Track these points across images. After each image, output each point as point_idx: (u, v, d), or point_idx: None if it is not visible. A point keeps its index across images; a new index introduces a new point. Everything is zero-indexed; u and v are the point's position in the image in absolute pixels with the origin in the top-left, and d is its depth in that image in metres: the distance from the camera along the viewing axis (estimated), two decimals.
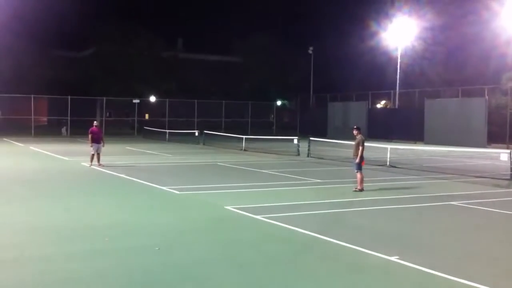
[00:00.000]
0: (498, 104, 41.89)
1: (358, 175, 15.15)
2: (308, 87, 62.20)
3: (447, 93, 48.03)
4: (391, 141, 41.51)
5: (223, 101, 61.31)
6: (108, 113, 59.11)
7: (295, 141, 29.47)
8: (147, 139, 44.29)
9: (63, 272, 7.31)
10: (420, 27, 50.25)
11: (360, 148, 15.17)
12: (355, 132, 15.68)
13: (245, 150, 31.45)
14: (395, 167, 22.46)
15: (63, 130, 49.07)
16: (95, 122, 22.67)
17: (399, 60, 50.13)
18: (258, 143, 36.18)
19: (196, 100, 58.40)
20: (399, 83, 50.13)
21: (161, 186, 15.56)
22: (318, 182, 17.44)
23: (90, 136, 21.40)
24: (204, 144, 36.73)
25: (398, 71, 49.93)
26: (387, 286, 7.05)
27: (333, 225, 10.69)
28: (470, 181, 18.34)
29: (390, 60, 54.22)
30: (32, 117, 49.41)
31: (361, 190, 15.00)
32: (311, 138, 29.16)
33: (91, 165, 20.96)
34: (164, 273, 7.38)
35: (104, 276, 7.19)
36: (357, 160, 15.14)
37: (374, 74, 62.51)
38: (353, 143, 15.83)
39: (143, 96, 57.42)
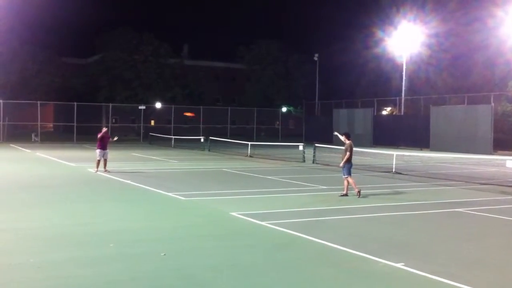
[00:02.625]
0: (504, 111, 41.81)
1: (350, 180, 15.24)
2: (314, 93, 62.26)
3: (453, 100, 47.98)
4: (397, 148, 41.50)
5: (229, 108, 61.43)
6: (114, 119, 59.33)
7: (301, 148, 29.46)
8: (152, 145, 44.39)
9: (69, 278, 7.33)
10: (426, 34, 50.24)
11: (348, 153, 15.25)
12: (343, 137, 15.81)
13: (250, 156, 31.47)
14: (401, 173, 22.42)
15: (33, 136, 48.77)
16: (104, 128, 22.77)
17: (404, 67, 50.11)
18: (264, 150, 36.21)
19: (201, 107, 58.56)
20: (404, 90, 50.09)
21: (167, 192, 15.59)
22: (323, 188, 17.42)
23: (99, 136, 21.49)
24: (209, 150, 36.77)
25: (404, 78, 49.91)
26: None
27: (339, 231, 10.68)
28: (476, 188, 18.29)
29: (395, 67, 54.28)
30: (39, 123, 49.65)
31: (360, 191, 15.13)
32: (316, 145, 29.15)
33: (97, 171, 21.02)
34: (170, 279, 7.39)
35: (110, 282, 7.20)
36: (341, 165, 15.38)
37: (379, 81, 62.58)
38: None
39: (149, 102, 57.64)
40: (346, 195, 15.22)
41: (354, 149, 15.69)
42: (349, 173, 15.33)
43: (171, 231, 10.49)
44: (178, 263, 8.19)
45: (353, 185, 15.22)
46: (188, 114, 17.45)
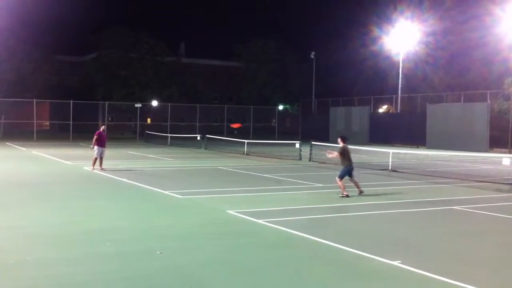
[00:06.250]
0: (501, 108, 41.87)
1: (339, 182, 14.88)
2: (310, 91, 62.26)
3: (449, 98, 48.03)
4: (393, 146, 41.53)
5: (225, 106, 61.39)
6: (110, 118, 59.20)
7: (297, 146, 29.43)
8: (149, 144, 44.32)
9: (65, 276, 7.31)
10: (423, 32, 50.29)
11: (336, 153, 15.14)
12: (338, 140, 15.61)
13: (247, 154, 31.45)
14: (397, 171, 22.43)
15: None
16: (102, 126, 22.71)
17: (401, 65, 50.17)
18: (260, 148, 36.18)
19: (198, 105, 58.50)
20: (401, 88, 50.14)
21: (163, 190, 15.57)
22: (320, 186, 17.42)
23: (95, 138, 21.39)
24: (206, 148, 36.75)
25: (400, 76, 49.96)
26: None
27: (335, 229, 10.67)
28: (472, 186, 18.31)
29: (392, 65, 54.32)
30: (35, 121, 49.51)
31: (347, 195, 14.66)
32: (313, 143, 29.13)
33: (93, 169, 20.97)
34: (166, 277, 7.37)
35: (106, 281, 7.19)
36: (329, 155, 15.42)
37: (376, 79, 62.65)
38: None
39: (145, 100, 57.55)
40: (347, 195, 14.79)
41: (351, 146, 15.56)
42: (342, 176, 14.89)
43: (167, 229, 10.47)
44: (174, 261, 8.17)
45: (341, 187, 14.81)
46: (235, 125, 17.32)
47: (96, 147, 21.28)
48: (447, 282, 7.22)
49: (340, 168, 15.27)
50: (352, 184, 15.28)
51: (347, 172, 15.07)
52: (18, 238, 9.50)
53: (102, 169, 20.99)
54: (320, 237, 9.65)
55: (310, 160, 27.18)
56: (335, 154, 15.23)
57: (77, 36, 71.26)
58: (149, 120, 63.32)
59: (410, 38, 49.39)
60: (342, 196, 14.68)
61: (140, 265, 7.88)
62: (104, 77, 59.95)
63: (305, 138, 43.08)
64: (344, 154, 15.09)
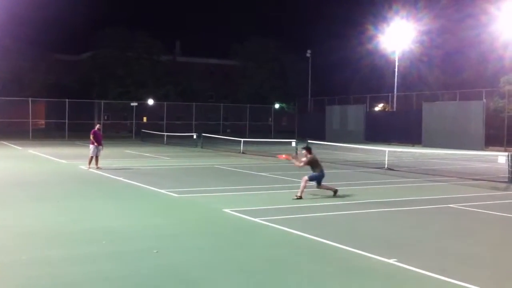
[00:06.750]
0: (496, 107, 42.00)
1: (303, 182, 14.22)
2: (306, 90, 62.26)
3: (445, 96, 48.15)
4: (389, 144, 41.59)
5: (221, 104, 61.32)
6: (106, 116, 59.09)
7: (293, 144, 29.44)
8: (145, 142, 44.27)
9: (60, 275, 7.29)
10: (418, 30, 50.40)
11: (304, 160, 14.62)
12: (303, 151, 14.95)
13: (243, 153, 31.44)
14: (393, 170, 22.46)
15: None
16: (98, 125, 22.68)
17: (397, 64, 50.26)
18: (256, 146, 36.18)
19: (194, 103, 58.42)
20: (397, 86, 50.23)
21: (159, 189, 15.54)
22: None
23: (92, 137, 21.35)
24: (202, 147, 36.72)
25: (396, 74, 50.04)
26: None
27: (331, 227, 10.68)
28: (468, 184, 18.35)
29: (388, 63, 54.45)
30: (30, 120, 49.39)
31: (300, 197, 14.07)
32: (309, 141, 29.11)
33: (89, 168, 20.93)
34: (163, 276, 7.36)
35: (102, 280, 7.17)
36: (296, 162, 14.90)
37: (372, 77, 62.79)
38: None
39: (142, 99, 57.45)
40: (336, 191, 14.75)
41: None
42: (311, 178, 14.38)
43: (164, 228, 10.46)
44: (171, 260, 8.16)
45: (302, 187, 14.21)
46: (283, 157, 16.82)
47: (91, 145, 21.26)
48: (443, 280, 7.24)
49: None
50: (320, 190, 14.76)
51: (318, 178, 14.60)
52: (14, 237, 9.47)
53: (98, 168, 20.95)
54: (316, 236, 9.65)
55: None
56: (302, 164, 14.80)
57: (74, 35, 71.22)
58: (145, 119, 63.21)
59: (405, 36, 49.47)
60: (296, 198, 14.01)
61: (137, 264, 7.87)
62: (100, 76, 59.83)
63: (301, 137, 43.10)
64: (313, 163, 14.65)
